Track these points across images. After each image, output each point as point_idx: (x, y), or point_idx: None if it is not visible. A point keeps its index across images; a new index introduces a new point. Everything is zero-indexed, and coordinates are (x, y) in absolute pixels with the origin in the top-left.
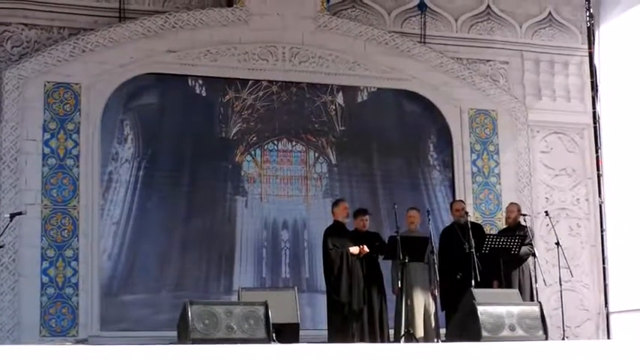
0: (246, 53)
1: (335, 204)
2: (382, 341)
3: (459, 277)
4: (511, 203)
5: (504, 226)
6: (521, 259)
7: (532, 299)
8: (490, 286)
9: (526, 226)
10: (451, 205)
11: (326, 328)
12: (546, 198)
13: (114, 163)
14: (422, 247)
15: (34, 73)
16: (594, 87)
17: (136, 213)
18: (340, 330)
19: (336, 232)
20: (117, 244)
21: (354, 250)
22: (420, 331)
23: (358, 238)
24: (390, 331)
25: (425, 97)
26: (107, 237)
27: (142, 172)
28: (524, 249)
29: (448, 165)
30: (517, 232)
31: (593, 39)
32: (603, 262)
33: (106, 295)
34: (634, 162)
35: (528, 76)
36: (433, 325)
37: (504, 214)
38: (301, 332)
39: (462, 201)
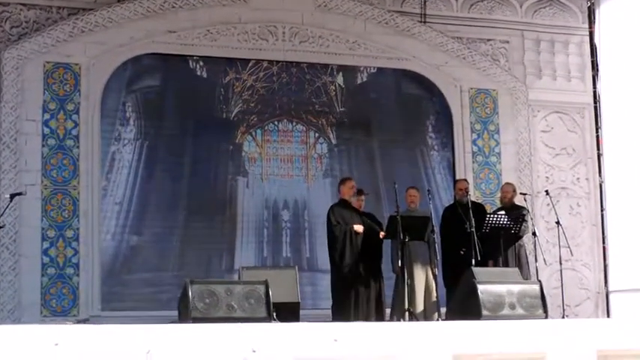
0: (246, 33)
1: (342, 182)
2: (379, 320)
3: (462, 252)
4: (506, 183)
5: (499, 206)
6: (517, 237)
7: (527, 278)
8: (485, 266)
9: (522, 206)
10: (455, 183)
11: (326, 307)
12: (547, 177)
13: (116, 144)
14: (422, 226)
15: (33, 54)
16: (595, 66)
17: (139, 193)
18: (345, 305)
19: (340, 209)
20: (119, 224)
21: (359, 228)
22: (421, 310)
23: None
24: (387, 310)
25: (425, 76)
26: (110, 217)
27: (145, 152)
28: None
29: (447, 145)
30: (512, 211)
31: (594, 18)
32: (603, 242)
33: (108, 274)
34: (634, 141)
35: (529, 56)
36: (434, 303)
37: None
38: (301, 311)
39: (465, 180)
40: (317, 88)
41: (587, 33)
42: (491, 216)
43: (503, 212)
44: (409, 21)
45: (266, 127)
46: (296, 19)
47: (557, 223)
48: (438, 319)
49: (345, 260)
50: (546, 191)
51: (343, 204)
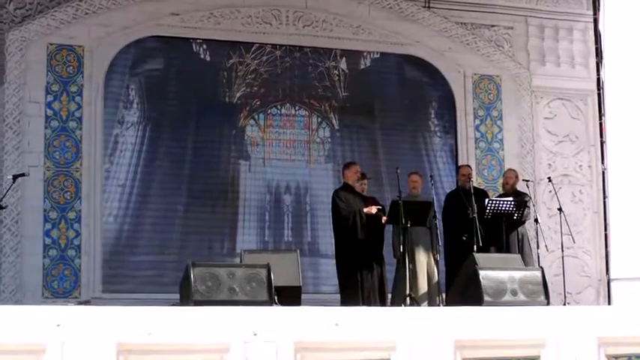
0: (249, 16)
1: (346, 166)
2: (382, 305)
3: (464, 238)
4: (509, 169)
5: (501, 192)
6: (519, 222)
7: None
8: (487, 252)
9: (524, 193)
10: (458, 169)
11: (328, 291)
12: (549, 164)
13: (120, 127)
14: (424, 212)
15: (37, 35)
16: (599, 53)
17: (141, 176)
18: (352, 290)
19: (345, 193)
20: (122, 207)
21: (371, 209)
22: (422, 296)
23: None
24: (388, 295)
25: (428, 62)
26: (113, 199)
27: (148, 135)
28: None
29: (449, 131)
30: (514, 198)
31: (598, 5)
32: (605, 229)
33: (110, 256)
34: (638, 129)
35: (533, 42)
36: (435, 289)
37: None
38: (303, 296)
39: (468, 166)
40: (320, 72)
41: (592, 20)
42: (493, 201)
43: (511, 198)
44: (413, 6)
45: (269, 111)
46: (300, 2)
47: (560, 210)
48: (439, 305)
49: (357, 235)
50: (549, 178)
51: (347, 188)
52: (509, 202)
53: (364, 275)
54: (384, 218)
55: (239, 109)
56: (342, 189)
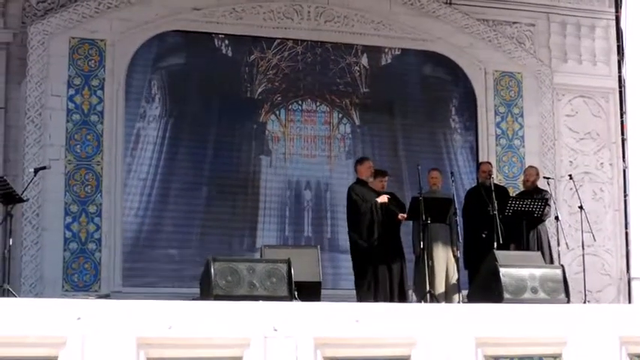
0: (271, 11)
1: (359, 162)
2: (402, 301)
3: (484, 235)
4: (530, 166)
5: (522, 189)
6: (539, 220)
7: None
8: (508, 249)
9: (544, 190)
10: (478, 166)
11: (347, 287)
12: (570, 161)
13: (142, 122)
14: (445, 208)
15: (59, 29)
16: (620, 51)
17: (163, 170)
18: (367, 286)
19: (360, 188)
20: (143, 201)
21: (383, 198)
22: (440, 292)
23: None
24: (409, 292)
25: (450, 58)
26: (134, 193)
27: (169, 130)
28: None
29: (470, 128)
30: (534, 195)
31: (620, 2)
32: (626, 227)
33: (130, 250)
34: None
35: (554, 39)
36: (454, 285)
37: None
38: (322, 291)
39: (489, 163)
40: (341, 68)
41: (614, 17)
42: (515, 202)
43: (530, 200)
44: (434, 2)
45: (290, 107)
46: None
47: (580, 207)
48: (458, 302)
49: (373, 235)
50: (570, 175)
51: (361, 184)
52: (529, 203)
53: (379, 272)
54: (403, 215)
55: (260, 104)
56: (356, 184)
